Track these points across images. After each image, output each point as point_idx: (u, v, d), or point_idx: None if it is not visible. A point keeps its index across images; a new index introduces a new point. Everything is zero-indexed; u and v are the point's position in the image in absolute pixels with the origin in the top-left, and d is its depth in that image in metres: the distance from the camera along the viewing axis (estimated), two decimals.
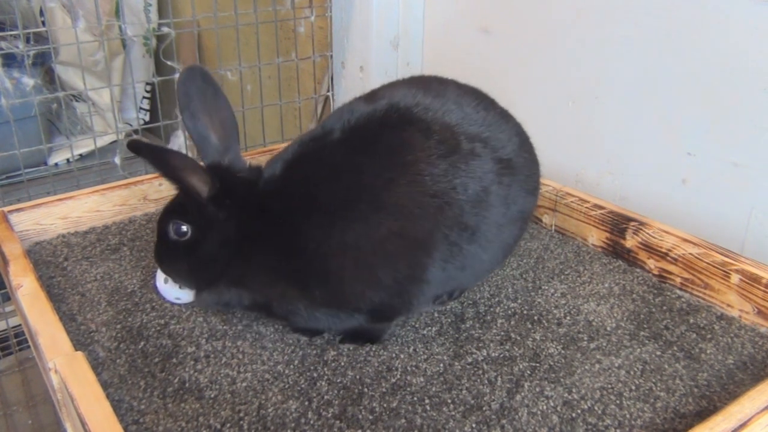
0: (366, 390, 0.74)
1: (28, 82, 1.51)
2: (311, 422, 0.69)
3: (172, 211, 0.80)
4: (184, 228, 0.78)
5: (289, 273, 0.76)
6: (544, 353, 0.79)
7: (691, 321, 0.86)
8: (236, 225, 0.78)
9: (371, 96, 0.83)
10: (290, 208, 0.76)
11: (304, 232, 0.75)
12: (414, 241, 0.74)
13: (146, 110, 2.42)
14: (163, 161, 0.72)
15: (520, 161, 0.84)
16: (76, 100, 2.21)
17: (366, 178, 0.75)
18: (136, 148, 0.70)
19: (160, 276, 0.88)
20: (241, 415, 0.70)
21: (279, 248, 0.76)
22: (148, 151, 0.71)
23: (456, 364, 0.78)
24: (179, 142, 2.08)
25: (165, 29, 1.44)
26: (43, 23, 2.08)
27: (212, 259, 0.79)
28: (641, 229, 0.97)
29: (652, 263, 0.96)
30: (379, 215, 0.73)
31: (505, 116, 0.87)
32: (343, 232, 0.74)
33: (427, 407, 0.71)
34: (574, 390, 0.74)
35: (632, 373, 0.76)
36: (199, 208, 0.78)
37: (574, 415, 0.70)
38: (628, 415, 0.70)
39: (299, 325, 0.82)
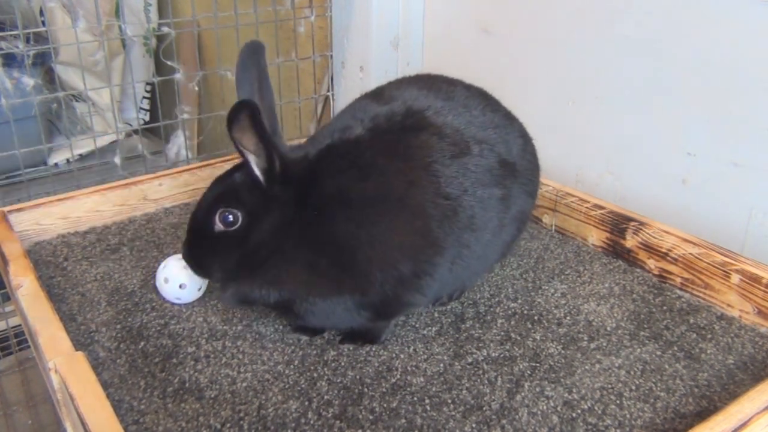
0: (366, 390, 0.74)
1: (28, 82, 1.50)
2: (311, 422, 0.69)
3: (217, 200, 0.75)
4: (231, 218, 0.74)
5: (324, 265, 0.75)
6: (544, 353, 0.79)
7: (691, 321, 0.86)
8: (293, 209, 0.74)
9: (379, 95, 0.84)
10: (325, 202, 0.75)
11: (338, 225, 0.74)
12: (431, 240, 0.75)
13: (146, 110, 2.42)
14: (244, 131, 0.69)
15: (523, 164, 0.86)
16: (76, 100, 2.21)
17: (391, 179, 0.76)
18: (240, 107, 0.66)
19: (161, 276, 0.88)
20: (241, 415, 0.70)
21: (316, 239, 0.74)
22: (242, 114, 0.67)
23: (456, 364, 0.78)
24: (179, 142, 2.07)
25: (165, 29, 1.43)
26: (43, 23, 2.07)
27: (261, 247, 0.75)
28: (641, 229, 0.97)
29: (652, 263, 0.96)
30: (404, 214, 0.75)
31: (510, 118, 0.89)
32: (372, 227, 0.74)
33: (427, 407, 0.71)
34: (574, 390, 0.74)
35: (632, 373, 0.76)
36: (257, 190, 0.74)
37: (574, 415, 0.70)
38: (628, 415, 0.70)
39: (309, 324, 0.81)
